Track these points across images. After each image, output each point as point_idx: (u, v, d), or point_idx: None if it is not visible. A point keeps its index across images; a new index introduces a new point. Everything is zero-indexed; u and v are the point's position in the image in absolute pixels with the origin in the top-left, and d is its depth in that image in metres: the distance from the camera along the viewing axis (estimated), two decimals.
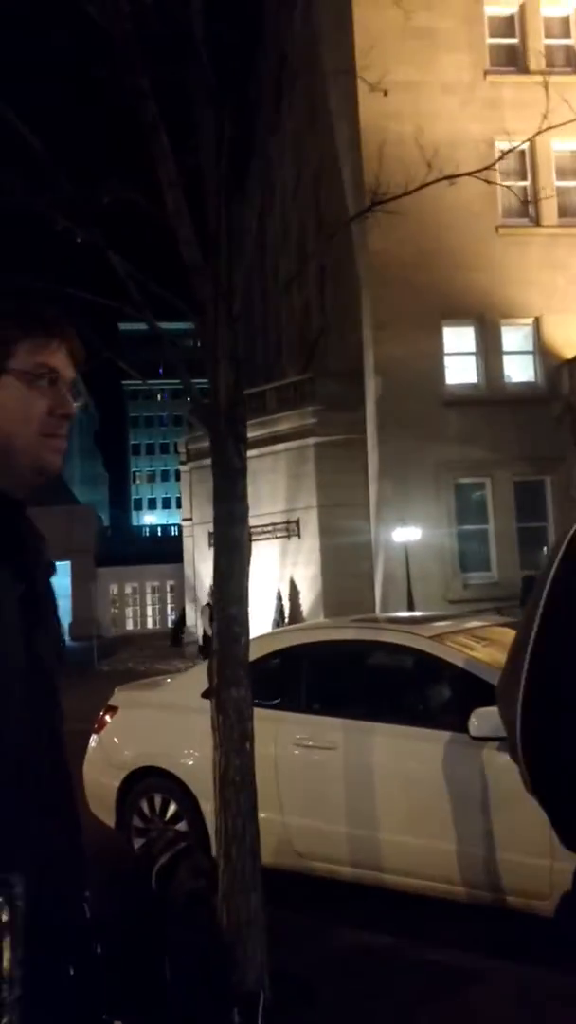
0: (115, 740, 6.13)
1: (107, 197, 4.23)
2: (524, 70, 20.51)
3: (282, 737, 5.23)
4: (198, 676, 6.00)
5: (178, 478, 38.05)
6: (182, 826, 5.65)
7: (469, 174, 4.36)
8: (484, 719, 4.40)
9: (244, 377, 4.15)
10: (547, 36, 21.24)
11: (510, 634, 5.11)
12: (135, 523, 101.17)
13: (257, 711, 4.16)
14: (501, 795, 4.47)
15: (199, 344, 4.22)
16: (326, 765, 5.15)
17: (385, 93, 7.69)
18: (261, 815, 4.04)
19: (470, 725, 4.46)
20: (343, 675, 5.59)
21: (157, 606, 48.34)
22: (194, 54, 3.87)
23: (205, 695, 5.50)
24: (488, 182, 4.38)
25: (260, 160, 4.23)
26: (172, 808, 5.74)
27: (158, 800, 5.80)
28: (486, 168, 4.39)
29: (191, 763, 5.57)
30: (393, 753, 4.97)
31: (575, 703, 1.50)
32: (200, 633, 25.89)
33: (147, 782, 5.83)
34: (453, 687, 5.00)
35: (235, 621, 4.00)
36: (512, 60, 21.12)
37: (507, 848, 4.45)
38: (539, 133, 4.90)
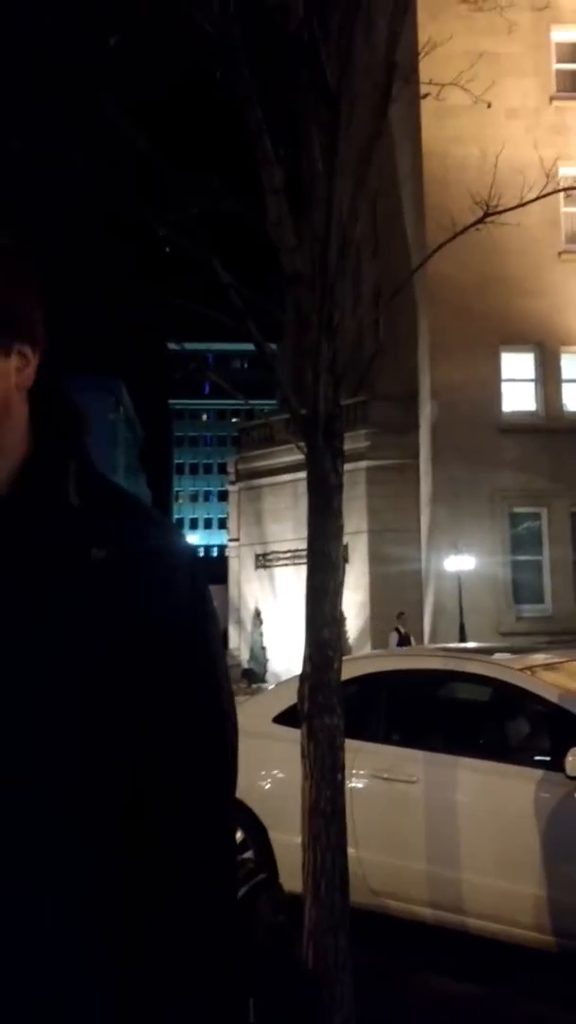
0: None
1: (207, 204, 4.14)
2: None
3: (359, 768, 5.02)
4: (270, 700, 5.85)
5: (221, 498, 38.10)
6: (248, 855, 5.46)
7: (548, 194, 4.18)
8: None
9: (341, 391, 4.01)
10: None
11: None
12: None
13: None
14: None
15: (303, 358, 4.09)
16: (405, 799, 4.93)
17: (489, 105, 7.52)
18: None
19: (567, 764, 4.22)
20: (425, 706, 5.38)
21: None
22: (301, 54, 3.75)
23: (279, 720, 5.35)
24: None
25: (364, 165, 4.12)
26: (238, 837, 5.55)
27: None
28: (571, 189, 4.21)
29: (262, 791, 5.38)
30: (478, 789, 4.73)
31: None
32: (245, 656, 25.72)
33: None
34: (545, 723, 4.76)
35: (328, 644, 3.82)
36: None
37: None
38: None
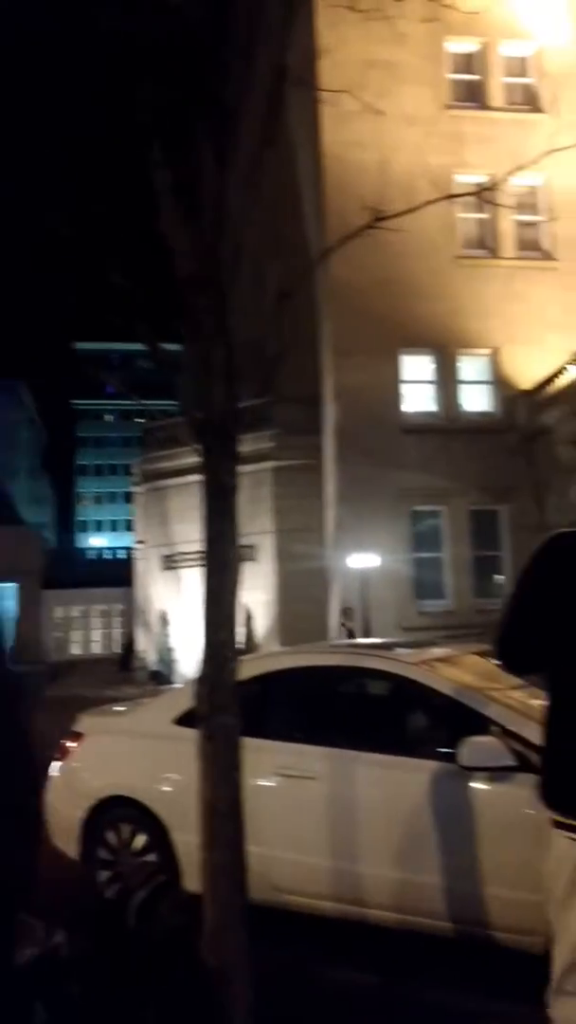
0: (81, 768, 5.89)
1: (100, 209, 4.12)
2: (484, 106, 20.94)
3: (261, 766, 5.05)
4: (170, 702, 5.83)
5: (127, 500, 37.61)
6: (151, 858, 5.44)
7: (470, 194, 4.34)
8: (475, 748, 4.31)
9: (237, 393, 4.05)
10: (507, 75, 21.73)
11: (489, 664, 5.04)
12: (81, 545, 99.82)
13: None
14: (489, 828, 4.37)
15: (193, 362, 4.10)
16: (305, 795, 4.99)
17: (378, 112, 7.68)
18: None
19: (460, 755, 4.36)
20: (325, 702, 5.45)
21: (104, 631, 47.56)
22: (205, 61, 3.77)
23: (179, 722, 5.34)
24: (496, 204, 4.34)
25: (254, 170, 4.16)
26: (141, 839, 5.52)
27: (126, 831, 5.58)
28: (483, 190, 4.38)
29: (162, 792, 5.37)
30: (377, 783, 4.83)
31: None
32: (152, 658, 25.52)
33: (115, 812, 5.60)
34: (440, 715, 4.90)
35: (225, 645, 3.86)
36: (472, 96, 21.55)
37: (495, 883, 4.35)
38: (512, 173, 4.90)
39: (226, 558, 3.90)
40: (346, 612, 19.15)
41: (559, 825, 2.60)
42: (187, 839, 4.76)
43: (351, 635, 18.09)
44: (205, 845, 3.75)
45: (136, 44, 3.71)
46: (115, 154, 4.43)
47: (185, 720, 5.14)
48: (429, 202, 4.25)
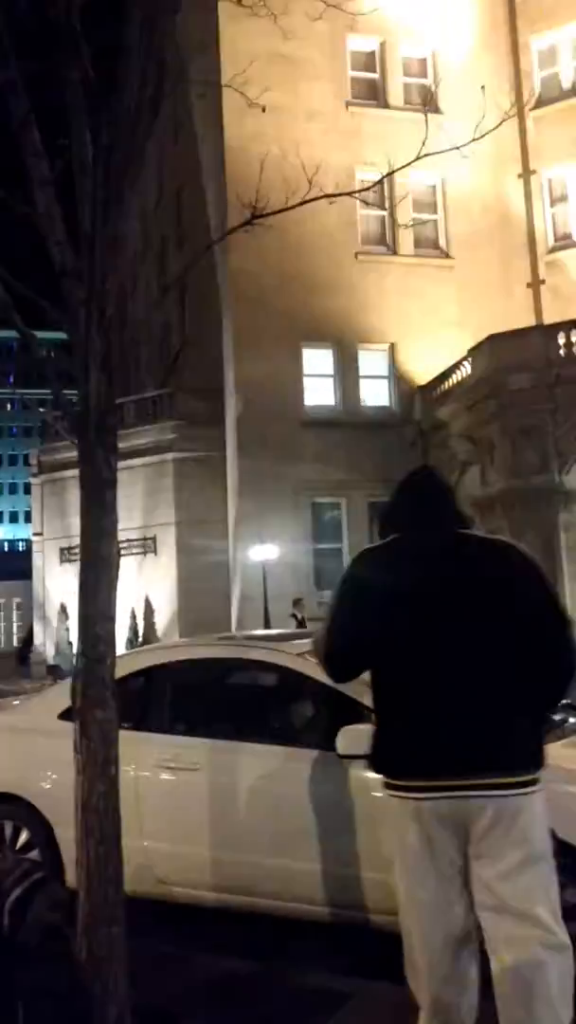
0: None
1: None
2: (384, 104, 21.23)
3: (144, 759, 5.06)
4: (56, 697, 5.76)
5: (27, 491, 36.83)
6: (34, 855, 5.37)
7: (349, 194, 4.41)
8: (351, 737, 4.40)
9: (114, 386, 4.02)
10: (405, 74, 22.09)
11: None
12: None
13: (121, 733, 4.00)
14: (366, 813, 4.47)
15: (61, 352, 4.07)
16: (189, 787, 5.02)
17: (264, 109, 7.70)
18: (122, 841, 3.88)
19: (337, 743, 4.45)
20: (208, 694, 5.48)
21: (2, 624, 46.41)
22: (71, 49, 3.73)
23: (63, 716, 5.28)
24: (366, 203, 4.42)
25: (136, 163, 4.12)
26: (23, 836, 5.45)
27: (8, 829, 5.49)
28: (365, 190, 4.46)
29: (46, 788, 5.31)
30: (258, 773, 4.89)
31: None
32: (51, 652, 25.10)
33: None
34: (320, 705, 4.99)
35: (101, 640, 3.83)
36: (372, 94, 21.83)
37: (371, 867, 4.45)
38: (411, 163, 5.02)
39: (104, 552, 3.87)
40: (296, 603, 19.02)
41: (391, 787, 2.95)
42: (71, 835, 4.71)
43: (301, 624, 18.01)
44: (79, 841, 3.73)
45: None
46: None
47: (69, 715, 5.08)
48: (304, 201, 4.30)
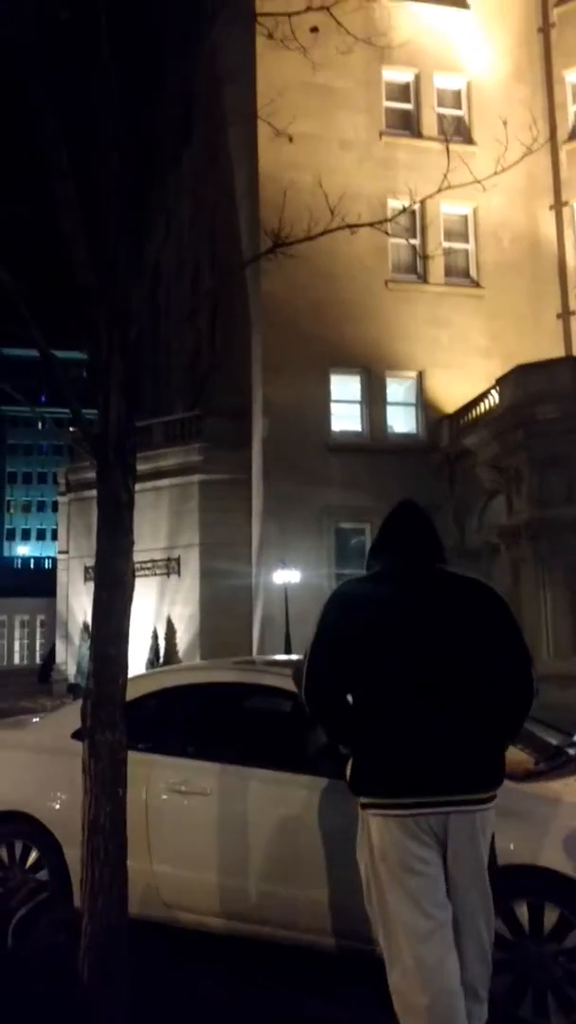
0: None
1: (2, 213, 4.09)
2: (417, 134, 21.39)
3: (154, 781, 5.04)
4: (69, 716, 5.75)
5: (55, 509, 37.16)
6: (43, 875, 5.35)
7: (371, 224, 4.45)
8: None
9: (136, 408, 4.05)
10: (440, 105, 22.25)
11: None
12: (7, 554, 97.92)
13: (130, 754, 4.00)
14: None
15: (87, 372, 4.11)
16: (199, 811, 4.98)
17: (291, 139, 7.81)
18: (128, 863, 3.86)
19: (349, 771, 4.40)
20: (220, 719, 5.45)
21: (26, 641, 46.64)
22: (101, 75, 3.80)
23: (76, 736, 5.28)
24: (387, 233, 4.47)
25: (161, 189, 4.18)
26: (33, 856, 5.43)
27: (18, 847, 5.48)
28: (387, 220, 4.49)
29: (57, 808, 5.30)
30: (268, 799, 4.85)
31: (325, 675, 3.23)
32: (72, 670, 25.15)
33: (7, 827, 5.50)
34: None
35: (113, 661, 3.85)
36: (407, 124, 22.00)
37: None
38: (435, 194, 5.06)
39: (118, 573, 3.89)
40: None
41: (378, 806, 3.13)
42: (80, 855, 4.71)
43: None
44: (86, 861, 3.72)
45: (30, 51, 3.70)
46: (18, 160, 4.40)
47: (82, 734, 5.08)
48: (326, 231, 4.33)
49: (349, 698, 3.28)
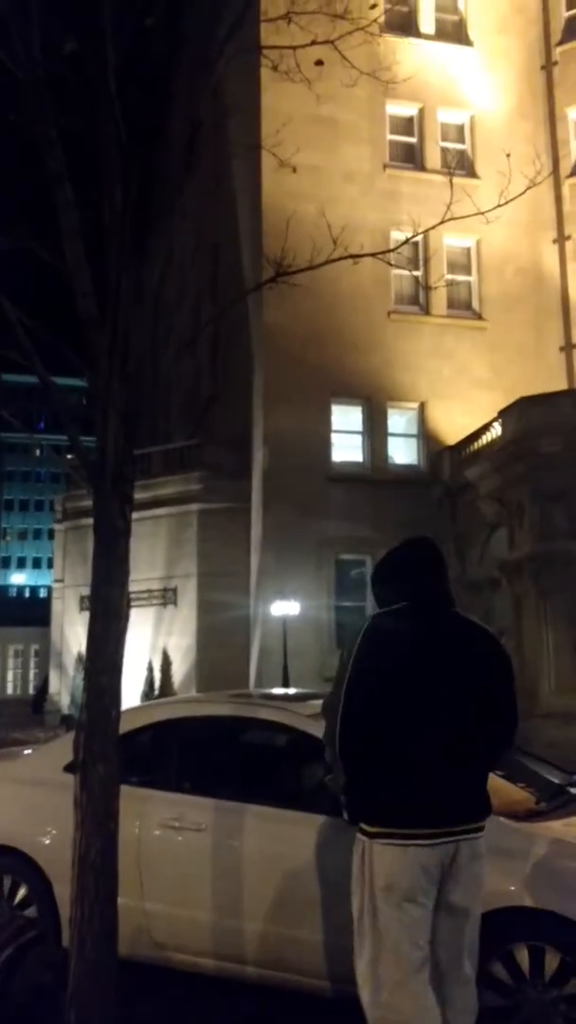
0: None
1: (4, 244, 4.09)
2: (421, 167, 21.60)
3: (147, 817, 4.94)
4: (61, 748, 5.65)
5: (51, 537, 37.05)
6: (31, 912, 5.23)
7: (373, 255, 4.45)
8: None
9: (135, 436, 4.02)
10: (443, 139, 22.51)
11: None
12: (2, 582, 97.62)
13: (123, 789, 3.91)
14: None
15: (86, 400, 4.09)
16: (192, 847, 4.87)
17: (294, 169, 7.89)
18: (119, 901, 3.76)
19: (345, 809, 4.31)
20: (216, 753, 5.36)
21: (19, 671, 46.22)
22: (107, 108, 3.80)
23: (68, 769, 5.18)
24: (391, 264, 4.46)
25: (165, 219, 4.18)
26: (22, 892, 5.31)
27: (7, 883, 5.36)
28: (390, 251, 4.50)
29: (47, 843, 5.19)
30: (263, 836, 4.74)
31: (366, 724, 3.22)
32: (66, 701, 24.94)
33: None
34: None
35: (106, 692, 3.78)
36: (410, 157, 22.24)
37: None
38: (438, 225, 5.08)
39: (114, 602, 3.83)
40: None
41: (393, 836, 3.22)
42: (70, 892, 4.60)
43: None
44: (75, 898, 3.63)
45: (35, 86, 3.71)
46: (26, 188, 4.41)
47: (74, 767, 5.00)
48: (328, 261, 4.33)
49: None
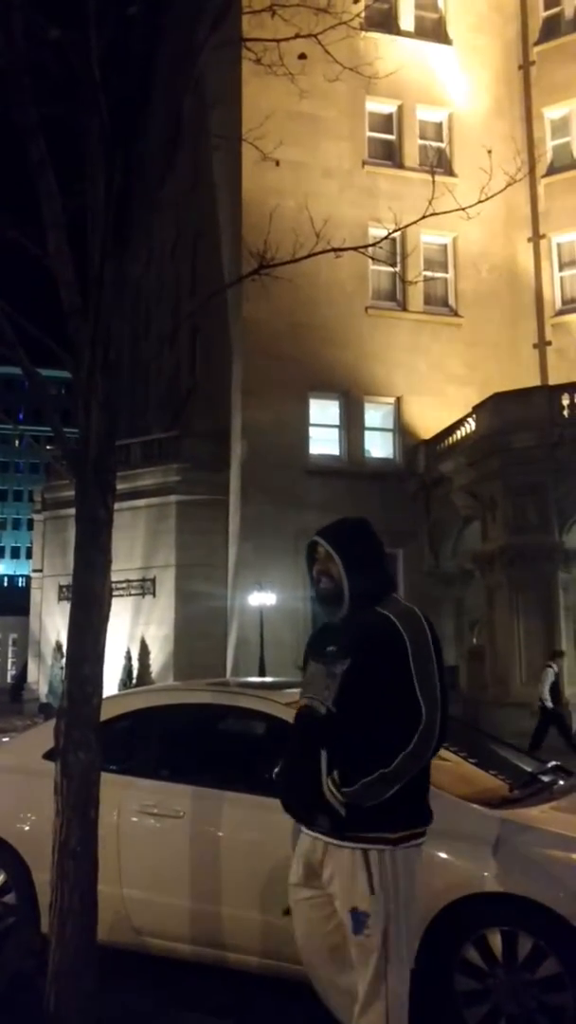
0: None
1: None
2: (399, 165, 21.66)
3: (127, 804, 4.97)
4: (40, 736, 5.68)
5: (31, 527, 36.87)
6: (10, 899, 5.25)
7: (355, 249, 4.49)
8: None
9: (117, 426, 4.04)
10: (421, 136, 22.58)
11: None
12: None
13: (102, 776, 3.95)
14: None
15: (67, 391, 4.11)
16: (171, 835, 4.91)
17: (277, 163, 7.89)
18: (99, 887, 3.80)
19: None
20: (194, 740, 5.40)
21: None
22: (90, 97, 3.82)
23: (48, 756, 5.21)
24: (373, 259, 4.50)
25: (147, 210, 4.20)
26: (0, 879, 5.33)
27: None
28: (372, 245, 4.54)
29: (26, 829, 5.21)
30: (241, 822, 4.79)
31: None
32: (44, 690, 24.89)
33: None
34: None
35: (87, 680, 3.81)
36: (389, 154, 22.30)
37: None
38: (418, 221, 5.13)
39: (95, 591, 3.86)
40: (556, 656, 15.94)
41: (403, 840, 3.08)
42: (49, 879, 4.63)
43: (555, 686, 15.16)
44: (55, 885, 3.66)
45: (18, 74, 3.72)
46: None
47: (54, 754, 5.02)
48: (311, 254, 4.37)
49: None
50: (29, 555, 47.18)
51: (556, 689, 14.88)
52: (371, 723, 2.94)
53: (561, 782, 4.99)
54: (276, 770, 3.48)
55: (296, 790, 3.21)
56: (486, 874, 4.07)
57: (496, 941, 4.05)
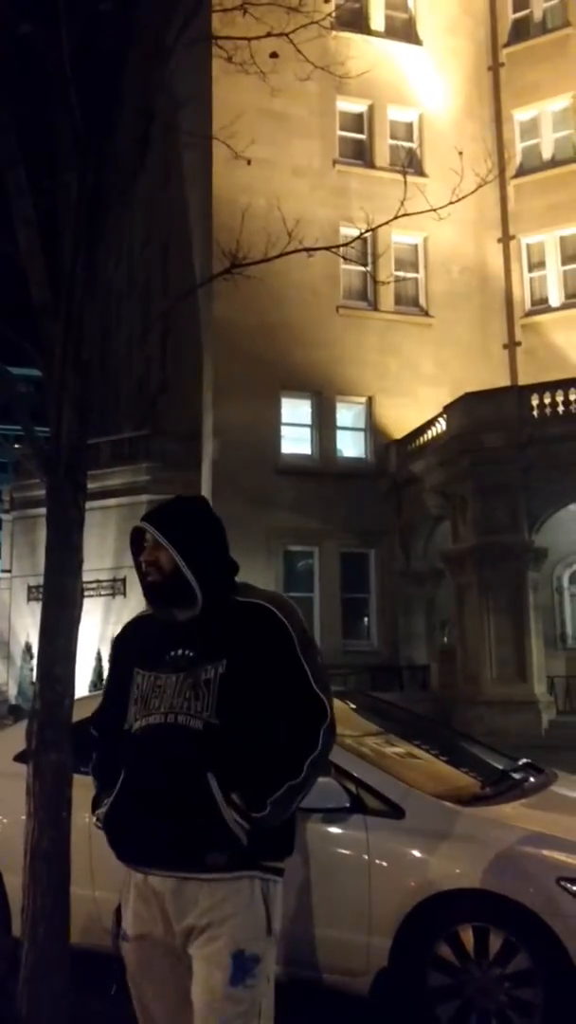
0: None
1: None
2: (370, 164, 21.73)
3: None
4: (10, 738, 5.63)
5: None
6: None
7: (328, 248, 4.50)
8: (317, 789, 4.32)
9: (88, 425, 4.01)
10: (392, 137, 22.68)
11: (344, 707, 5.09)
12: None
13: (75, 777, 3.92)
14: (320, 869, 4.38)
15: (37, 389, 4.07)
16: None
17: (249, 162, 7.89)
18: (71, 890, 3.77)
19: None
20: None
21: None
22: (62, 95, 3.79)
23: (19, 758, 5.16)
24: (345, 259, 4.52)
25: (118, 208, 4.17)
26: None
27: None
28: (344, 245, 4.55)
29: None
30: None
31: None
32: (13, 691, 24.66)
33: None
34: None
35: (59, 681, 3.78)
36: (360, 154, 22.35)
37: (324, 924, 4.35)
38: (390, 221, 5.15)
39: (67, 591, 3.83)
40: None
41: (279, 872, 2.63)
42: (20, 882, 4.59)
43: None
44: (27, 888, 3.63)
45: None
46: None
47: (25, 757, 4.97)
48: (283, 253, 4.37)
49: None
50: None
51: None
52: (267, 729, 2.49)
53: (532, 779, 5.04)
54: (99, 812, 2.83)
55: (166, 830, 2.50)
56: (458, 871, 4.10)
57: (468, 937, 4.08)
